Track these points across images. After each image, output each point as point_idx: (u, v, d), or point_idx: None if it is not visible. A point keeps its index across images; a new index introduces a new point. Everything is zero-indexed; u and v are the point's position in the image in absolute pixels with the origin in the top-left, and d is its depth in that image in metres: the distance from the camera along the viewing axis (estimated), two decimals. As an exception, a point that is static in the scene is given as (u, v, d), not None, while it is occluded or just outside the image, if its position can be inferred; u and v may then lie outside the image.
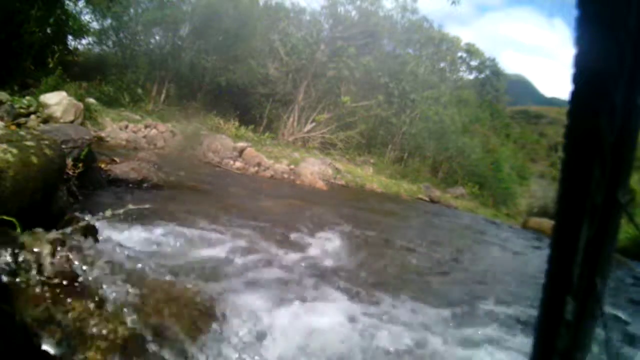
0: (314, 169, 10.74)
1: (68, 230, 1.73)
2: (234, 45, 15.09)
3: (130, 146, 8.13)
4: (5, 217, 1.59)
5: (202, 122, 12.59)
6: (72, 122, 6.84)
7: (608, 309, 3.42)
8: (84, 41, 13.31)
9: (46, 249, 1.42)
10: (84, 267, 1.44)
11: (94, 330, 1.24)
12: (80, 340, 1.21)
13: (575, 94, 0.40)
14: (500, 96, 26.32)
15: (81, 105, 7.51)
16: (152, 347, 1.31)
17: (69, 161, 3.32)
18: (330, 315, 2.24)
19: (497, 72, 25.66)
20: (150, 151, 7.37)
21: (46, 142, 2.08)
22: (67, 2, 11.15)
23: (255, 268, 2.83)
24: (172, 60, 14.49)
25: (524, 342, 2.40)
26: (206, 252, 2.92)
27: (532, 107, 48.89)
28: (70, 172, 3.34)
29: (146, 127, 9.55)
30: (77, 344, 1.20)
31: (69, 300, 1.31)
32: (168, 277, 1.66)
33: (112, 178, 4.31)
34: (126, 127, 9.12)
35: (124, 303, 1.39)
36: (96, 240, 2.05)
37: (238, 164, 9.14)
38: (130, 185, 4.40)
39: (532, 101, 54.76)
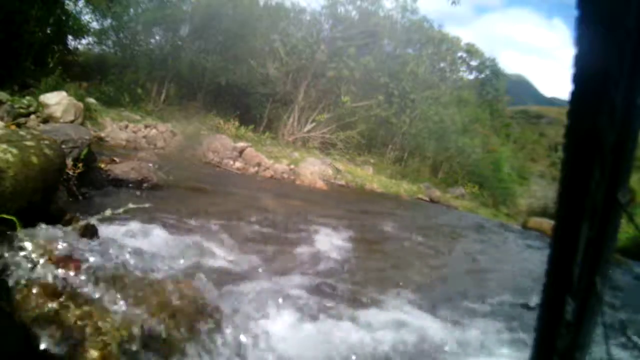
0: (314, 169, 10.74)
1: (68, 229, 1.73)
2: (234, 45, 15.07)
3: (130, 146, 8.13)
4: (5, 216, 1.59)
5: (202, 122, 12.58)
6: (72, 122, 6.84)
7: (607, 309, 3.42)
8: (84, 41, 13.31)
9: (46, 249, 1.42)
10: (84, 267, 1.44)
11: (93, 330, 1.24)
12: (80, 340, 1.21)
13: (575, 94, 0.40)
14: (500, 96, 26.28)
15: (81, 105, 7.51)
16: (152, 347, 1.31)
17: (69, 161, 3.32)
18: (330, 318, 2.24)
19: (497, 72, 25.60)
20: (150, 151, 7.37)
21: (46, 142, 2.08)
22: (67, 2, 11.14)
23: (255, 269, 2.83)
24: (172, 60, 14.47)
25: (522, 341, 2.40)
26: (206, 253, 2.91)
27: (532, 107, 48.83)
28: (70, 172, 3.34)
29: (146, 127, 9.54)
30: (77, 344, 1.20)
31: (68, 300, 1.31)
32: (168, 277, 1.66)
33: (112, 178, 4.31)
34: (126, 127, 9.12)
35: (124, 303, 1.38)
36: (96, 239, 2.05)
37: (238, 164, 9.14)
38: (130, 185, 4.40)
39: (532, 101, 54.72)
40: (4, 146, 1.76)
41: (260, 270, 2.81)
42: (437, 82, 19.90)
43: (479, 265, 5.05)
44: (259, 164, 9.39)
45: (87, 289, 1.37)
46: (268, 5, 17.42)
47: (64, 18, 10.84)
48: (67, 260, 1.43)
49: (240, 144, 9.75)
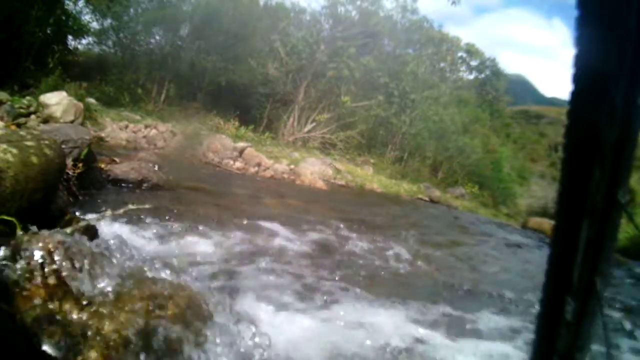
0: (314, 169, 10.74)
1: (68, 230, 1.73)
2: (234, 45, 15.07)
3: (130, 146, 8.13)
4: (5, 217, 1.59)
5: (202, 122, 12.58)
6: (72, 122, 6.84)
7: (607, 309, 3.41)
8: (84, 41, 13.32)
9: (46, 249, 1.42)
10: (84, 268, 1.44)
11: (94, 330, 1.24)
12: (80, 341, 1.21)
13: (575, 94, 0.40)
14: (500, 96, 26.26)
15: (81, 105, 7.51)
16: (152, 347, 1.31)
17: (69, 161, 3.32)
18: (328, 319, 2.24)
19: (497, 72, 25.57)
20: (150, 151, 7.37)
21: (46, 142, 2.08)
22: (67, 2, 11.15)
23: (255, 269, 2.83)
24: (172, 60, 14.47)
25: (520, 342, 2.40)
26: (206, 253, 2.92)
27: (532, 107, 48.73)
28: (70, 172, 3.34)
29: (146, 127, 9.55)
30: (77, 344, 1.20)
31: (68, 300, 1.31)
32: (168, 277, 1.66)
33: (112, 178, 4.31)
34: (126, 127, 9.12)
35: (124, 303, 1.38)
36: (96, 240, 2.05)
37: (238, 164, 9.14)
38: (130, 185, 4.40)
39: (532, 101, 54.61)
40: (4, 146, 1.76)
41: (261, 269, 2.80)
42: (437, 82, 19.90)
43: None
44: (259, 164, 9.39)
45: (87, 290, 1.37)
46: (268, 6, 17.41)
47: (64, 18, 10.85)
48: (67, 260, 1.43)
49: (240, 144, 9.75)
